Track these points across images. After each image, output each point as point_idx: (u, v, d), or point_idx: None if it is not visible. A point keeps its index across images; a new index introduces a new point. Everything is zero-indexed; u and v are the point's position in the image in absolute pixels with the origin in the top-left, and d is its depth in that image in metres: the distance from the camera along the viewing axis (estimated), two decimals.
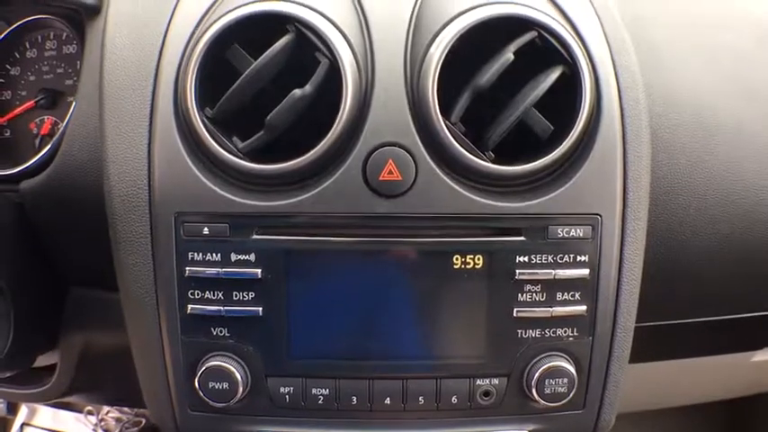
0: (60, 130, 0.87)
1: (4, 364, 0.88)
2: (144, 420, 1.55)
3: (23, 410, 1.58)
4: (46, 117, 0.96)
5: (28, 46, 0.97)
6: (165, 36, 0.77)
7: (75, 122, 0.84)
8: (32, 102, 0.96)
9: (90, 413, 1.55)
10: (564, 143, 0.72)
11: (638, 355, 0.83)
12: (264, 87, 0.72)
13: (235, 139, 0.74)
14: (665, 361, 1.04)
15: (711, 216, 0.85)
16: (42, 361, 1.00)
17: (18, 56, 0.97)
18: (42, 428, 1.57)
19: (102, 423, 1.54)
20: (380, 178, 0.72)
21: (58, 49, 0.97)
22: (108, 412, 1.55)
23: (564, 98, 0.74)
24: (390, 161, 0.72)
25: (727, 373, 1.17)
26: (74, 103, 0.86)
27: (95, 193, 0.79)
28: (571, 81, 0.73)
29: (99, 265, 0.83)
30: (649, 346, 0.89)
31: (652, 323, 0.91)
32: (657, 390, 1.16)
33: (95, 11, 0.88)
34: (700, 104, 0.85)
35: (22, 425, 1.58)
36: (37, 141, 0.96)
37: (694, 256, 0.86)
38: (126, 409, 1.55)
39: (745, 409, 1.61)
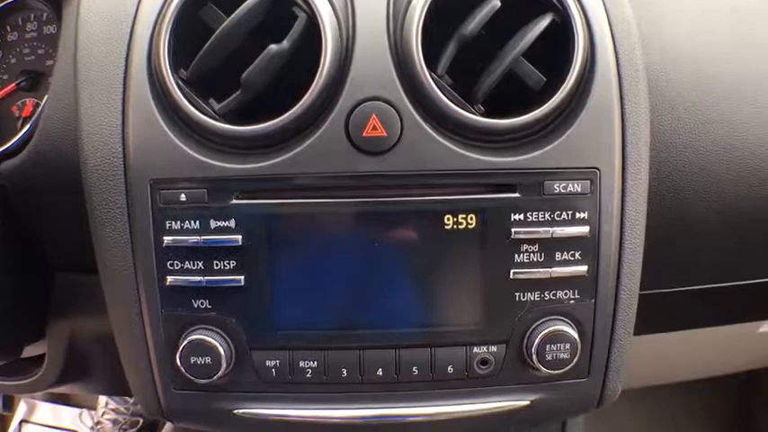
0: (39, 109, 0.81)
1: None
2: (141, 420, 1.47)
3: (22, 407, 1.52)
4: (27, 99, 0.91)
5: (8, 29, 0.92)
6: (139, 2, 0.71)
7: (53, 98, 0.79)
8: (14, 84, 0.90)
9: (90, 408, 1.48)
10: (557, 94, 0.66)
11: (639, 327, 0.76)
12: (241, 47, 0.66)
13: (211, 101, 0.68)
14: (667, 333, 0.96)
15: (715, 174, 0.78)
16: (31, 351, 0.94)
17: None
18: (41, 425, 1.50)
19: (99, 426, 1.46)
20: (364, 134, 0.65)
21: (39, 30, 0.91)
22: (104, 414, 1.47)
23: (557, 50, 0.68)
24: (374, 116, 0.65)
25: (733, 345, 1.09)
26: (51, 80, 0.80)
27: (75, 168, 0.73)
28: (563, 32, 0.67)
29: (83, 246, 0.76)
30: (652, 317, 0.82)
31: (654, 291, 0.84)
32: (660, 364, 1.08)
33: None
34: (698, 58, 0.78)
35: (21, 421, 1.51)
36: (19, 124, 0.90)
37: (698, 217, 0.79)
38: (122, 409, 1.47)
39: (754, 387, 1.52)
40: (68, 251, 0.85)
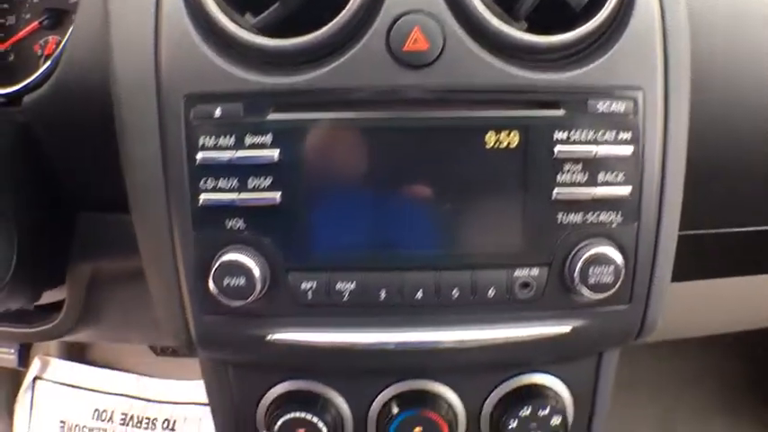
0: (63, 42, 0.79)
1: (7, 295, 0.79)
2: None
3: (36, 363, 1.47)
4: (50, 37, 0.88)
5: None
6: None
7: (78, 28, 0.76)
8: (37, 23, 0.88)
9: (107, 367, 1.41)
10: (601, 12, 0.64)
11: (672, 272, 0.73)
12: None
13: (248, 15, 0.65)
14: (697, 281, 0.93)
15: (751, 106, 0.76)
16: (46, 299, 0.90)
17: None
18: (55, 382, 1.45)
19: None
20: (405, 48, 0.63)
21: None
22: None
23: None
24: (417, 28, 0.63)
25: (764, 297, 1.06)
26: (78, 8, 0.77)
27: (100, 99, 0.70)
28: None
29: (108, 182, 0.74)
30: (684, 262, 0.79)
31: (688, 232, 0.81)
32: (689, 315, 1.05)
33: None
34: None
35: (35, 378, 1.46)
36: (41, 62, 0.87)
37: (733, 151, 0.77)
38: None
39: None
40: (93, 187, 0.82)
